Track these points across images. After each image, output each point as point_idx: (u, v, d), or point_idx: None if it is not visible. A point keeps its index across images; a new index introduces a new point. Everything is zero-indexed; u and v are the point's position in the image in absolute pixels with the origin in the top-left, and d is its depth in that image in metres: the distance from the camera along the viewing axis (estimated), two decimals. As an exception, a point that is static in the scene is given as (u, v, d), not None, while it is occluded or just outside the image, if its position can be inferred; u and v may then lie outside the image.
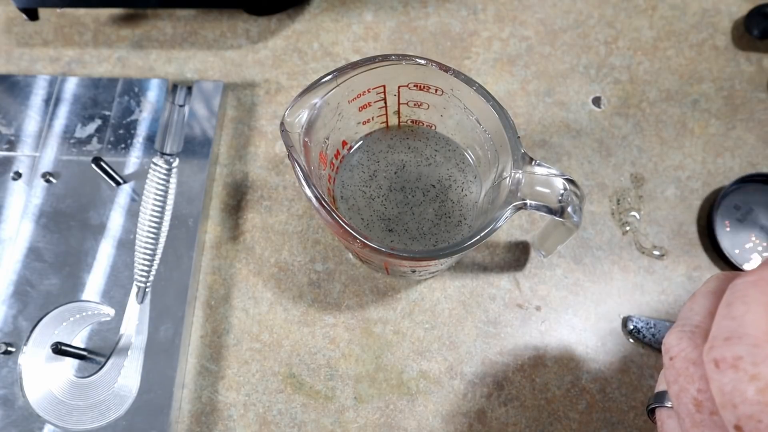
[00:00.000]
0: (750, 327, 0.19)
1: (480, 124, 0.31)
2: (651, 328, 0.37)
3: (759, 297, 0.20)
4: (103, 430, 0.35)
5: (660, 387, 0.25)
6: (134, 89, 0.43)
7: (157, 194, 0.40)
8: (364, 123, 0.35)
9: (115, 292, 0.38)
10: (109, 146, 0.42)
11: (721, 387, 0.19)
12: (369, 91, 0.32)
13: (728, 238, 0.39)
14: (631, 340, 0.38)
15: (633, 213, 0.41)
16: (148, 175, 0.40)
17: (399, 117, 0.36)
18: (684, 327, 0.23)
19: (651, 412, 0.26)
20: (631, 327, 0.37)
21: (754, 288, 0.20)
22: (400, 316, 0.38)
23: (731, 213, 0.40)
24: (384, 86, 0.32)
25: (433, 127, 0.37)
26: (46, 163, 0.41)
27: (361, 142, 0.37)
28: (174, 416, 0.35)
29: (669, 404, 0.24)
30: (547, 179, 0.28)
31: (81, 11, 0.48)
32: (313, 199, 0.27)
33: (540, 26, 0.46)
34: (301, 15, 0.47)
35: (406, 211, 0.35)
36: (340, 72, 0.29)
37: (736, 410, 0.19)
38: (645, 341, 0.37)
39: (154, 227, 0.39)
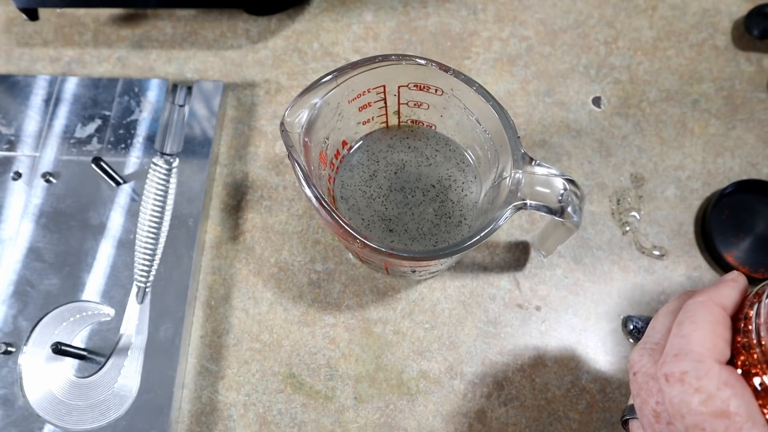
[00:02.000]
0: (696, 344, 0.22)
1: (480, 124, 0.31)
2: (651, 328, 0.37)
3: (706, 316, 0.22)
4: (103, 430, 0.35)
5: (632, 399, 0.26)
6: (134, 89, 0.43)
7: (157, 194, 0.40)
8: (364, 123, 0.35)
9: (115, 292, 0.38)
10: (109, 146, 0.42)
11: (671, 399, 0.21)
12: (369, 91, 0.32)
13: (723, 241, 0.39)
14: (631, 340, 0.38)
15: (633, 213, 0.41)
16: (148, 175, 0.40)
17: (399, 117, 0.36)
18: (645, 344, 0.25)
19: (625, 423, 0.27)
20: (631, 327, 0.37)
21: (703, 308, 0.23)
22: (400, 316, 0.38)
23: (726, 216, 0.40)
24: (384, 86, 0.32)
25: (433, 127, 0.37)
26: (46, 163, 0.41)
27: (361, 142, 0.37)
28: (174, 416, 0.35)
29: None
30: (547, 179, 0.28)
31: (81, 11, 0.48)
32: (313, 199, 0.27)
33: (540, 26, 0.46)
34: (301, 15, 0.47)
35: (406, 211, 0.35)
36: (340, 72, 0.29)
37: (684, 420, 0.21)
38: (645, 341, 0.37)
39: (154, 227, 0.39)
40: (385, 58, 0.29)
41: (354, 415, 0.36)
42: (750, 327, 0.22)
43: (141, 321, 0.37)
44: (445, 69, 0.29)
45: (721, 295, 0.23)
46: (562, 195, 0.28)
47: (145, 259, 0.38)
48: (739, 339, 0.23)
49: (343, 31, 0.46)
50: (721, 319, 0.23)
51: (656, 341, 0.25)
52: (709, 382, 0.21)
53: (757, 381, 0.21)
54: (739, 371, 0.22)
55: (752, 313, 0.23)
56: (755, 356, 0.22)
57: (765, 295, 0.22)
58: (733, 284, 0.24)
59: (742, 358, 0.22)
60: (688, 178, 0.42)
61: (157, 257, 0.39)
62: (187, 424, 0.36)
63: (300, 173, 0.27)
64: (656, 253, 0.40)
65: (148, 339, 0.36)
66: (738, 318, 0.23)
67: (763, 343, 0.21)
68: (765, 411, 0.21)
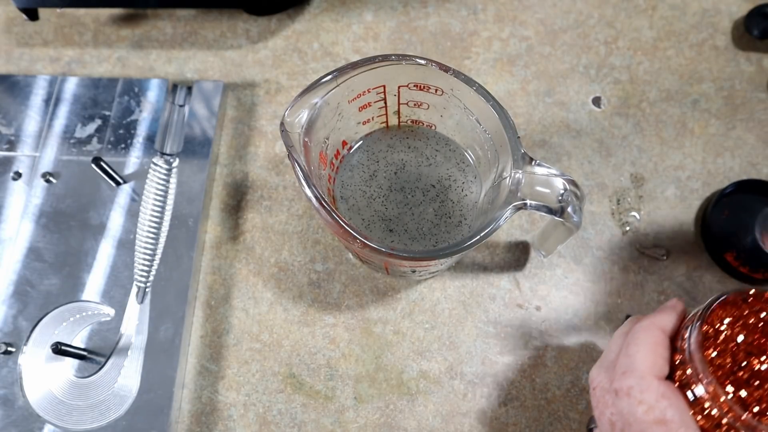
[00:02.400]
0: (639, 363, 0.25)
1: (480, 124, 0.31)
2: (651, 328, 0.37)
3: (647, 339, 0.26)
4: (103, 430, 0.35)
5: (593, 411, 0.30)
6: (134, 89, 0.43)
7: (157, 194, 0.40)
8: (364, 123, 0.35)
9: (115, 292, 0.38)
10: (109, 146, 0.42)
11: (621, 410, 0.25)
12: (369, 91, 0.32)
13: (723, 241, 0.39)
14: (631, 340, 0.38)
15: (633, 213, 0.41)
16: (148, 175, 0.40)
17: (399, 117, 0.36)
18: (602, 363, 0.29)
19: None
20: (631, 327, 0.37)
21: (645, 332, 0.27)
22: (400, 316, 0.38)
23: (726, 216, 0.40)
24: (384, 86, 0.32)
25: (433, 127, 0.37)
26: (46, 163, 0.41)
27: (361, 142, 0.37)
28: (174, 416, 0.35)
29: None
30: (547, 179, 0.28)
31: (81, 11, 0.48)
32: (313, 199, 0.27)
33: (540, 26, 0.46)
34: (301, 15, 0.47)
35: (406, 211, 0.35)
36: (340, 72, 0.29)
37: (631, 428, 0.25)
38: (645, 341, 0.37)
39: (154, 227, 0.39)
40: (385, 58, 0.29)
41: (354, 415, 0.36)
42: (685, 346, 0.26)
43: (141, 321, 0.37)
44: (445, 69, 0.29)
45: (662, 319, 0.27)
46: (562, 195, 0.28)
47: (145, 259, 0.38)
48: (677, 357, 0.26)
49: (343, 31, 0.46)
50: (660, 341, 0.26)
51: (611, 360, 0.28)
52: (650, 395, 0.24)
53: (689, 394, 0.25)
54: (677, 384, 0.25)
55: (687, 334, 0.26)
56: (689, 371, 0.25)
57: (697, 318, 0.26)
58: (672, 310, 0.28)
59: (679, 372, 0.26)
60: (688, 178, 0.42)
61: (157, 257, 0.39)
62: (187, 424, 0.36)
63: (300, 173, 0.27)
64: (656, 253, 0.40)
65: (148, 339, 0.36)
66: (677, 339, 0.27)
67: (694, 360, 0.25)
68: (697, 418, 0.25)
